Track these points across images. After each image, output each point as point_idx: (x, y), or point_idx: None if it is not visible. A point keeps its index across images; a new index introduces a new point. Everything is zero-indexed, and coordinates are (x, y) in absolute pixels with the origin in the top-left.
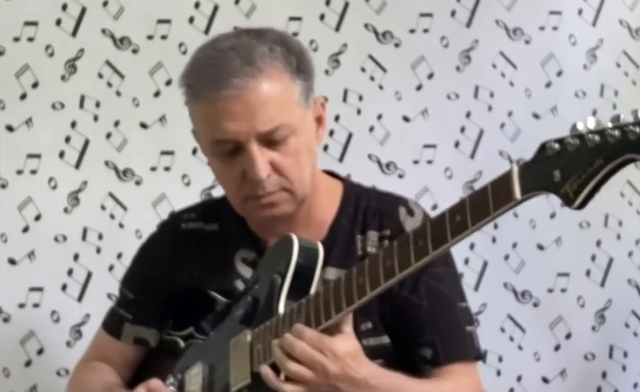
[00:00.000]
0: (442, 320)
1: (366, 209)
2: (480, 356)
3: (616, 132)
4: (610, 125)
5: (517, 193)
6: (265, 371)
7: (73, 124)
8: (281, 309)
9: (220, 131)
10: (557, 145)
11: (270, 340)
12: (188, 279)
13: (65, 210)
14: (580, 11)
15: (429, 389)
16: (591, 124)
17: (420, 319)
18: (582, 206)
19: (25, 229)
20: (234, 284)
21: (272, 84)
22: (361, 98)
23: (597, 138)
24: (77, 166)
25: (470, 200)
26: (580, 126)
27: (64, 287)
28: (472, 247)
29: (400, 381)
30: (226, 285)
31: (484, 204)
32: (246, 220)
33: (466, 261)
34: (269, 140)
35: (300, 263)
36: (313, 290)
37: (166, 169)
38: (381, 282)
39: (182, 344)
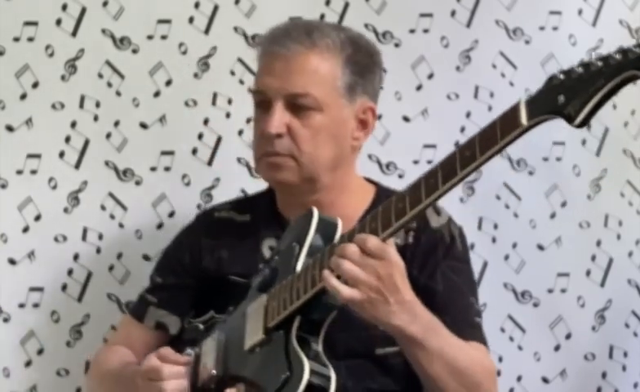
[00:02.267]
0: (454, 306)
1: None
2: (486, 345)
3: (618, 55)
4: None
5: (524, 119)
6: (326, 273)
7: (73, 124)
8: (299, 268)
9: (258, 81)
10: (562, 75)
11: (285, 296)
12: (216, 263)
13: (65, 210)
14: (580, 11)
15: (459, 344)
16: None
17: (435, 303)
18: (583, 124)
19: (25, 229)
20: (259, 268)
21: (320, 60)
22: None
23: (600, 63)
24: (77, 166)
25: (479, 134)
26: (587, 58)
27: (64, 287)
28: (472, 247)
29: (437, 322)
30: (250, 270)
31: (492, 134)
32: (278, 210)
33: None
34: (295, 105)
35: (319, 232)
36: None
37: (166, 169)
38: (392, 223)
39: (202, 327)
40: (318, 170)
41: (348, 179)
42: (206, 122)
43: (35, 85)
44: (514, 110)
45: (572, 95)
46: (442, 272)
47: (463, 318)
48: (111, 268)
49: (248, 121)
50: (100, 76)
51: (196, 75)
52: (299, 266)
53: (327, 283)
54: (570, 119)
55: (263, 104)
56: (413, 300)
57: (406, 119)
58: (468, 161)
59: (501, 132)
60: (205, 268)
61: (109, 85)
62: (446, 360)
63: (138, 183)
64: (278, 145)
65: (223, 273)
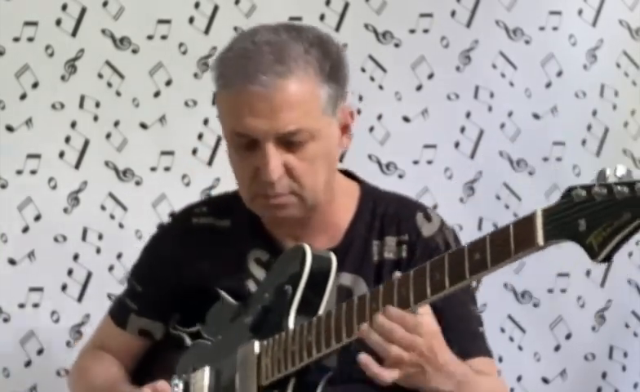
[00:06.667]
0: (456, 319)
1: (383, 215)
2: (492, 356)
3: None
4: None
5: (540, 240)
6: (365, 359)
7: (73, 124)
8: (290, 324)
9: (240, 124)
10: (584, 193)
11: (279, 356)
12: (198, 276)
13: (65, 210)
14: (580, 11)
15: (486, 386)
16: (620, 172)
17: (435, 319)
18: (606, 260)
19: (25, 229)
20: (246, 284)
21: (300, 87)
22: (361, 98)
23: (626, 190)
24: (77, 166)
25: (491, 239)
26: (609, 173)
27: (64, 287)
28: None
29: (468, 372)
30: (237, 285)
31: (505, 245)
32: (261, 219)
33: None
34: (287, 142)
35: (312, 274)
36: (324, 301)
37: (166, 169)
38: (411, 304)
39: (188, 341)
40: (319, 196)
41: (335, 185)
42: (206, 122)
43: (35, 85)
44: (530, 226)
45: (594, 223)
46: None
47: (466, 333)
48: (111, 268)
49: None
50: (100, 76)
51: (196, 75)
52: (291, 320)
53: (369, 371)
54: (592, 254)
55: (246, 144)
56: (448, 359)
57: (406, 119)
58: (479, 267)
59: (515, 247)
60: (186, 281)
61: (109, 85)
62: None
63: (138, 183)
64: (279, 187)
65: (206, 286)
